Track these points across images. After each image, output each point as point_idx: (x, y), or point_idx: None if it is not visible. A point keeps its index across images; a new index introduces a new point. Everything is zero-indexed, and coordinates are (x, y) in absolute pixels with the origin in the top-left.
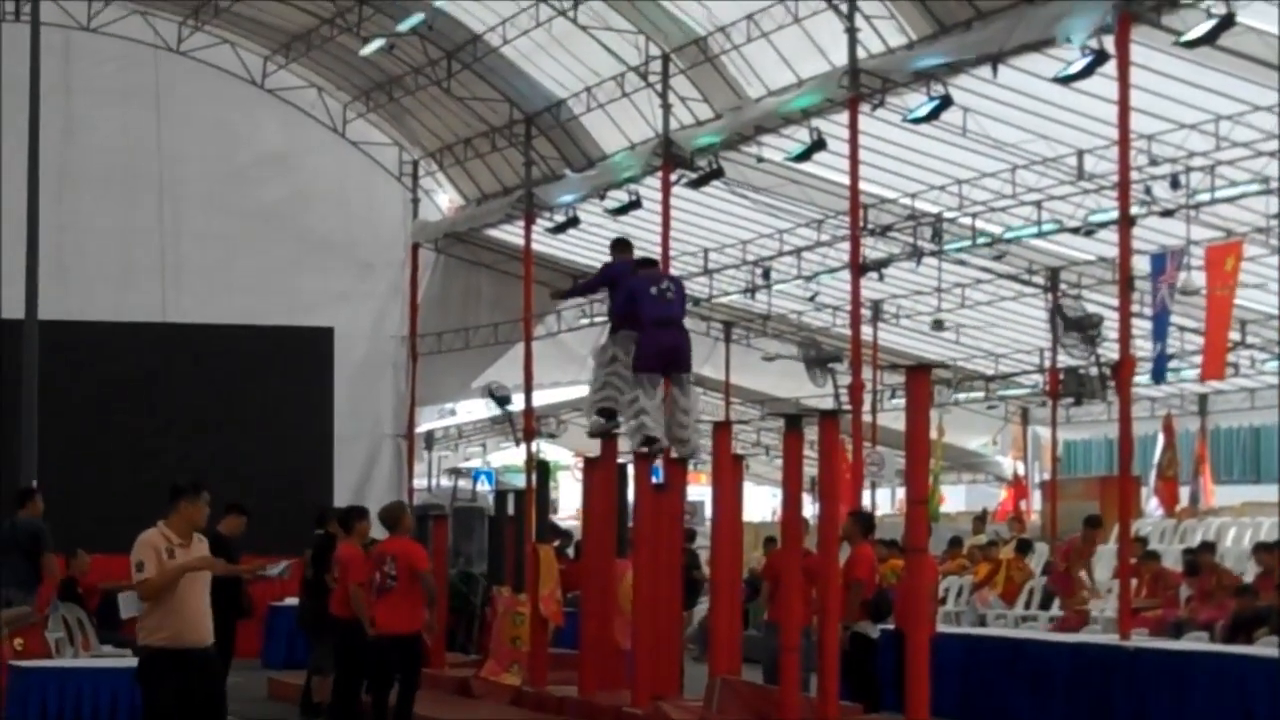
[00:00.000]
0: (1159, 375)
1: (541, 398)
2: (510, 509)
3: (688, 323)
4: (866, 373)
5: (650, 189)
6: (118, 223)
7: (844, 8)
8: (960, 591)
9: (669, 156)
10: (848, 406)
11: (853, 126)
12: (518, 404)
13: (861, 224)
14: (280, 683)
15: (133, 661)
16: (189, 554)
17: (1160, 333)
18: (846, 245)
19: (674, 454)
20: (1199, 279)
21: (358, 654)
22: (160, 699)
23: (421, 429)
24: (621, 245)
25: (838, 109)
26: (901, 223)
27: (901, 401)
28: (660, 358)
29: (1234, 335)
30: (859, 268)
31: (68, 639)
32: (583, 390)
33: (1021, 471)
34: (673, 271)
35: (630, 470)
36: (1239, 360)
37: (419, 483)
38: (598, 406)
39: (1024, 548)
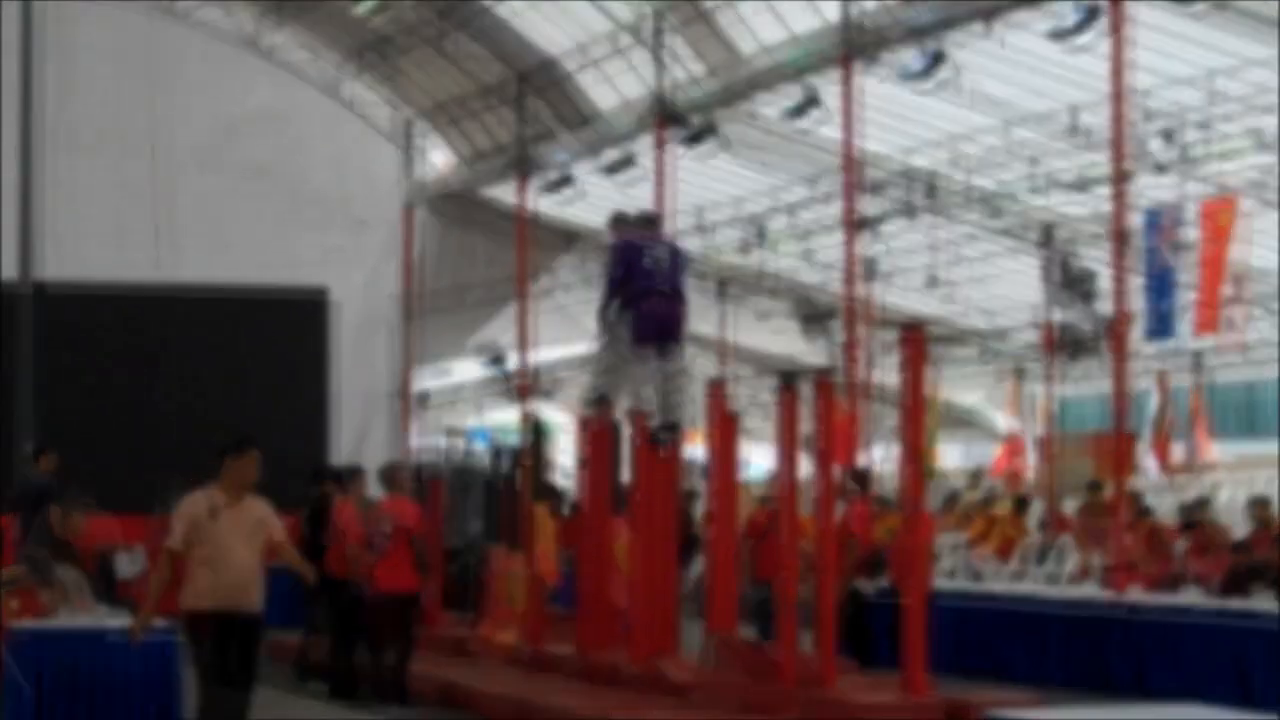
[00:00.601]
0: (1163, 332)
1: (537, 357)
2: (506, 468)
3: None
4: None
5: (645, 147)
6: (111, 183)
7: None
8: (955, 549)
9: (663, 115)
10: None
11: (846, 83)
12: (513, 363)
13: (855, 181)
14: (277, 643)
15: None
16: (238, 513)
17: (1164, 291)
18: (841, 203)
19: (659, 422)
20: (1193, 234)
21: (354, 614)
22: (199, 658)
23: (417, 389)
24: (620, 221)
25: (832, 66)
26: (895, 180)
27: (896, 359)
28: (653, 330)
29: (1228, 290)
30: (854, 225)
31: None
32: (578, 349)
33: (1017, 428)
34: (667, 228)
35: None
36: (1234, 315)
37: (416, 442)
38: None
39: (1021, 506)
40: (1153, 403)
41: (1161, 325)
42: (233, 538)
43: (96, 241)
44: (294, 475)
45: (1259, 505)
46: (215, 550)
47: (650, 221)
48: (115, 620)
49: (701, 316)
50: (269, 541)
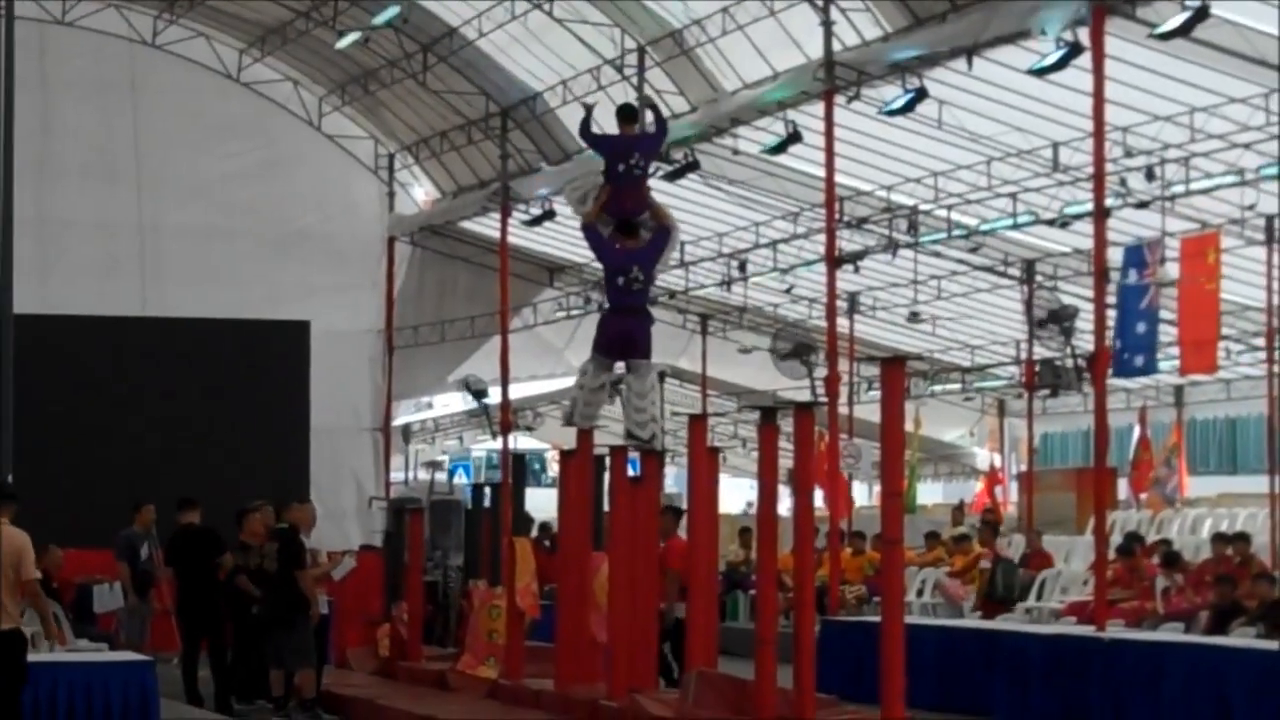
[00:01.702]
0: (1143, 369)
1: (518, 390)
2: (487, 502)
3: (661, 313)
4: (843, 365)
5: None
6: (96, 216)
7: (819, 1)
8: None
9: None
10: (824, 399)
11: (828, 119)
12: (494, 397)
13: (837, 216)
14: None
15: (112, 655)
16: None
17: (1150, 326)
18: (822, 238)
19: (632, 440)
20: (1173, 271)
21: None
22: None
23: (398, 422)
24: (626, 113)
25: (813, 101)
26: (877, 215)
27: (878, 394)
28: (616, 343)
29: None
30: (835, 260)
31: (43, 633)
32: (560, 383)
33: (998, 463)
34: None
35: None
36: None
37: (396, 475)
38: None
39: (992, 529)
40: (1133, 437)
41: (1142, 361)
42: None
43: (81, 275)
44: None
45: (1222, 541)
46: None
47: (631, 231)
48: (93, 653)
49: (682, 350)
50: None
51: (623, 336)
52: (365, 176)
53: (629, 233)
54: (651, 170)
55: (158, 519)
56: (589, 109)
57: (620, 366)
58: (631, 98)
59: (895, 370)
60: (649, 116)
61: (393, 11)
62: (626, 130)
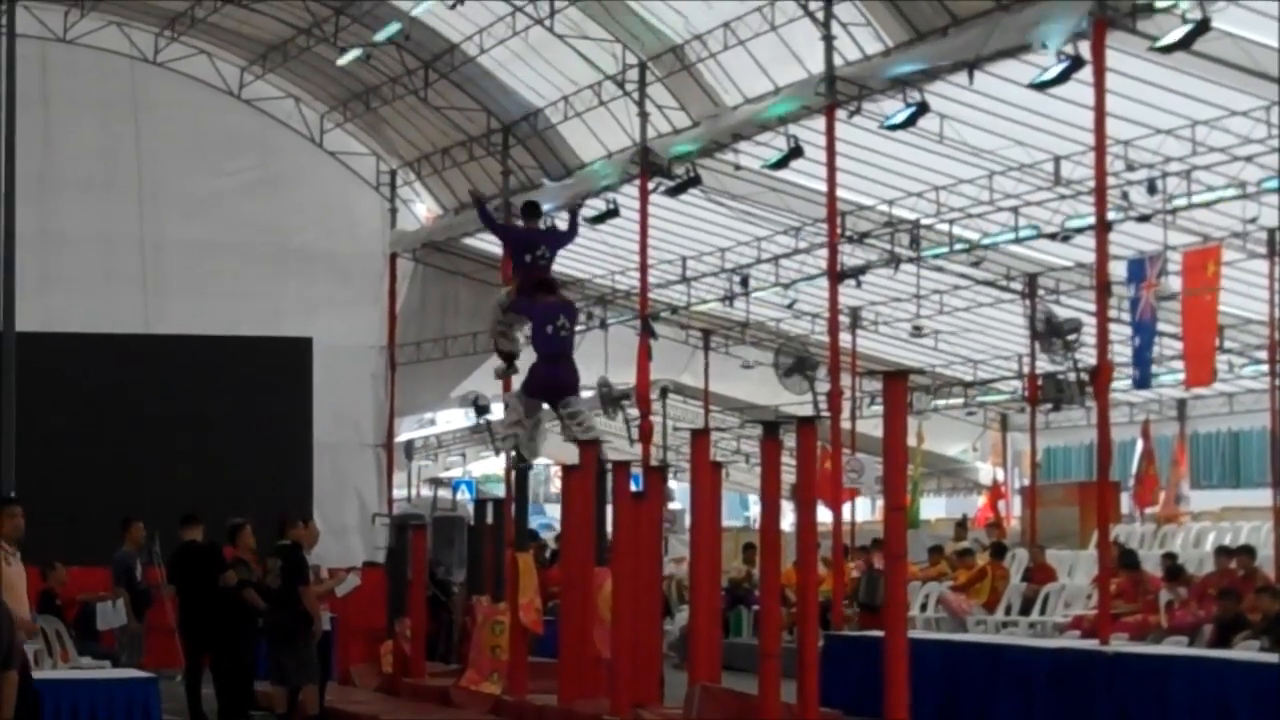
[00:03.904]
0: (1143, 382)
1: None
2: (490, 518)
3: (663, 329)
4: (845, 380)
5: (628, 197)
6: (97, 232)
7: (820, 15)
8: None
9: (646, 165)
10: (827, 413)
11: (830, 134)
12: (497, 413)
13: (839, 231)
14: (259, 693)
15: (115, 673)
16: (15, 564)
17: (1147, 340)
18: (824, 252)
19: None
20: (1176, 284)
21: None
22: None
23: (401, 439)
24: (532, 210)
25: (815, 116)
26: (879, 229)
27: (880, 408)
28: (546, 390)
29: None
30: (837, 275)
31: (46, 651)
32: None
33: (1001, 478)
34: (650, 279)
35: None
36: (1217, 365)
37: (399, 492)
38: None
39: (999, 552)
40: (1137, 451)
41: (1142, 374)
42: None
43: (84, 292)
44: (277, 525)
45: (1224, 554)
46: None
47: (549, 289)
48: (96, 670)
49: (685, 366)
50: None
51: (554, 383)
52: (367, 193)
53: (548, 290)
54: (653, 186)
55: (160, 535)
56: (479, 200)
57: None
58: (633, 114)
59: (898, 385)
60: (563, 222)
61: (394, 28)
62: (531, 225)
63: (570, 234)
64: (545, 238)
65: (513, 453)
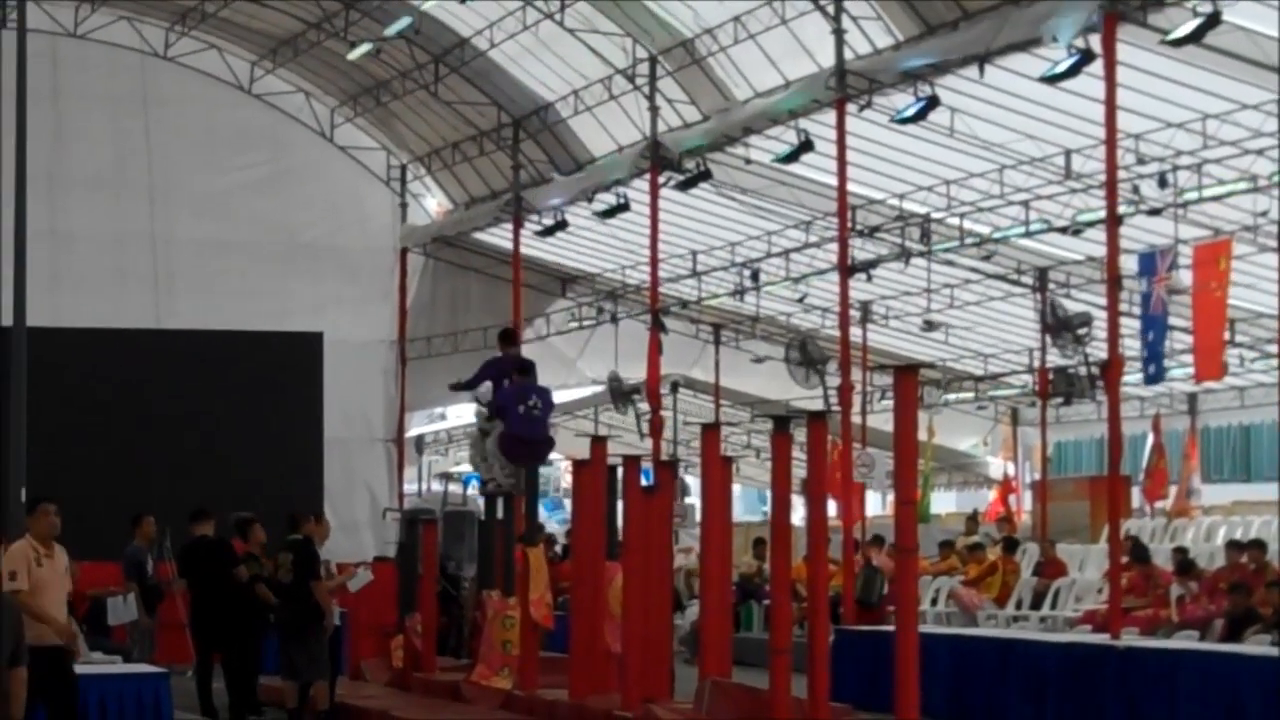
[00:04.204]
0: (1156, 377)
1: None
2: (500, 513)
3: (673, 323)
4: (856, 374)
5: (638, 191)
6: (108, 228)
7: (830, 9)
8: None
9: (657, 159)
10: (838, 408)
11: (840, 127)
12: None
13: (850, 225)
14: (270, 688)
15: (126, 668)
16: (53, 562)
17: (1158, 334)
18: (835, 247)
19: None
20: (1186, 278)
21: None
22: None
23: (411, 433)
24: (506, 337)
25: (825, 110)
26: (890, 223)
27: (891, 403)
28: (519, 459)
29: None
30: (847, 269)
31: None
32: (573, 394)
33: (1012, 472)
34: (660, 273)
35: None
36: (1228, 359)
37: (409, 487)
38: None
39: (1010, 546)
40: (1147, 445)
41: (1156, 369)
42: (42, 583)
43: (95, 288)
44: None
45: (1235, 548)
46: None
47: (526, 371)
48: (107, 665)
49: (695, 361)
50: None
51: (529, 459)
52: (377, 188)
53: (524, 372)
54: (663, 180)
55: (171, 530)
56: (457, 388)
57: None
58: (643, 108)
59: (908, 379)
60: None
61: (404, 22)
62: (506, 350)
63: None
64: (540, 393)
65: (491, 485)
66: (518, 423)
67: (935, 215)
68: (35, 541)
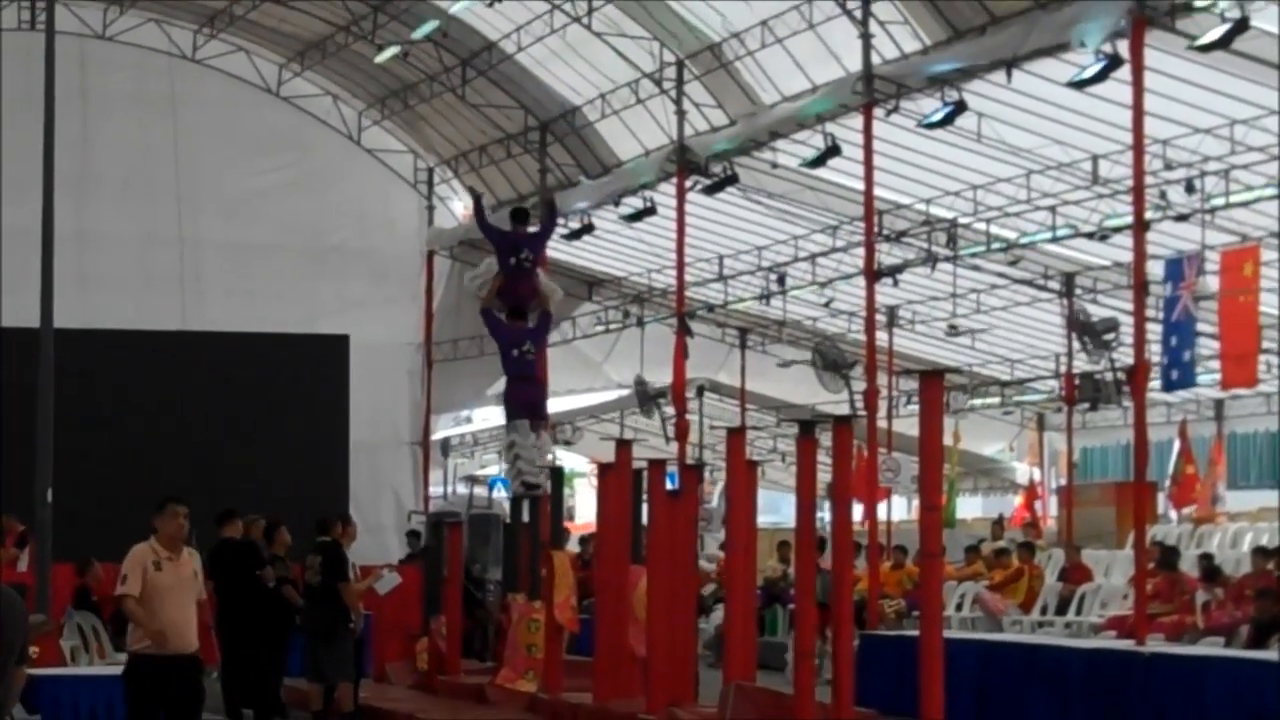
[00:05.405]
0: (1176, 384)
1: (557, 404)
2: (526, 516)
3: (700, 327)
4: (882, 379)
5: (665, 195)
6: (135, 230)
7: (858, 13)
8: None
9: (684, 163)
10: (863, 412)
11: (867, 132)
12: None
13: (876, 230)
14: (295, 690)
15: None
16: (176, 566)
17: (1185, 340)
18: (861, 251)
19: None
20: (1213, 283)
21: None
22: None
23: (437, 436)
24: (519, 216)
25: (852, 114)
26: (916, 228)
27: (917, 407)
28: (526, 406)
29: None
30: (874, 274)
31: (83, 647)
32: (598, 397)
33: (1037, 477)
34: (687, 277)
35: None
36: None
37: (435, 490)
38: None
39: (1028, 549)
40: (1174, 451)
41: (1182, 375)
42: (167, 587)
43: (122, 290)
44: (313, 522)
45: (1261, 555)
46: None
47: (519, 315)
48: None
49: (721, 365)
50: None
51: (530, 401)
52: (404, 190)
53: (518, 316)
54: (690, 184)
55: (196, 532)
56: (477, 197)
57: None
58: (670, 112)
59: (934, 384)
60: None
61: (432, 25)
62: (518, 229)
63: (548, 228)
64: (527, 240)
65: (519, 484)
66: (510, 364)
67: (962, 220)
68: (160, 543)
